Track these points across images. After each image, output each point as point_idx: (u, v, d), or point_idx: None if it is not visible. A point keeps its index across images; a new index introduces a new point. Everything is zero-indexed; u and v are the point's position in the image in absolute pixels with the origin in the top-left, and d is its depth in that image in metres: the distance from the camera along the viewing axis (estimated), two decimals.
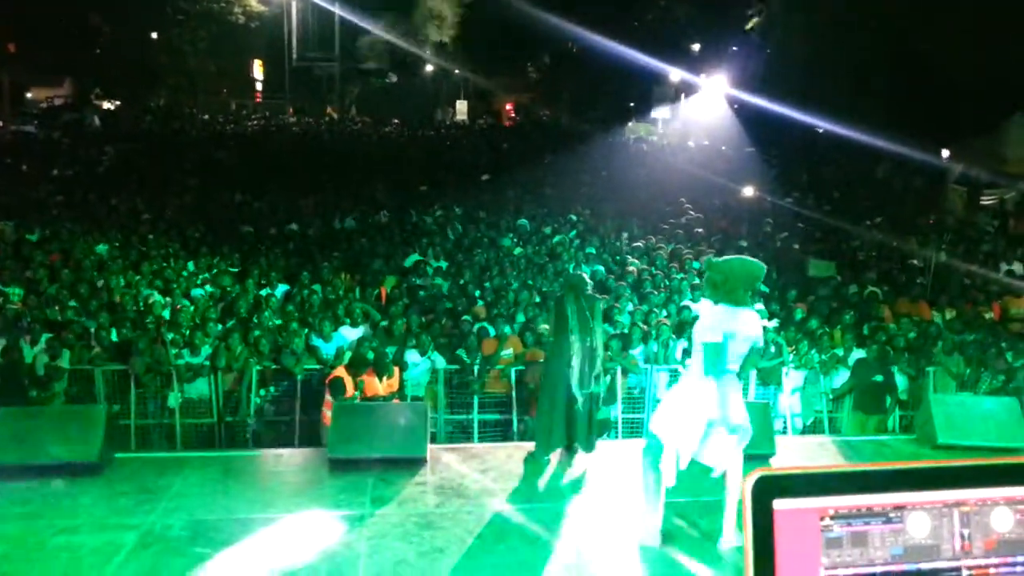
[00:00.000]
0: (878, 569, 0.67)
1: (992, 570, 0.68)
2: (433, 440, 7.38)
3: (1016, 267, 13.61)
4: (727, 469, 4.88)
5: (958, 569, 0.68)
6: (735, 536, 4.98)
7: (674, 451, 4.88)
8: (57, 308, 9.87)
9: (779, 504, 0.66)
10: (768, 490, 0.66)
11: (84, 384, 8.45)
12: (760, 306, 10.97)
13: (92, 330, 9.22)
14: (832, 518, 0.67)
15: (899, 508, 0.68)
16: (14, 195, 17.28)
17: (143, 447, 7.96)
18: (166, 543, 5.16)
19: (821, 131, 21.55)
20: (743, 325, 4.66)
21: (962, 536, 0.68)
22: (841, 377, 8.88)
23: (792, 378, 9.04)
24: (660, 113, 31.91)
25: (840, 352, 9.28)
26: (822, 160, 23.70)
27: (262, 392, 8.82)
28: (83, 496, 5.90)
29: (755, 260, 4.89)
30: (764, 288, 5.06)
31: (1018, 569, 0.69)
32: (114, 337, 9.28)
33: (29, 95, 34.16)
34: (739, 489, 4.86)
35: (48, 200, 16.93)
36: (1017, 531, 0.69)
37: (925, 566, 0.67)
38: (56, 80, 34.34)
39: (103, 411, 6.71)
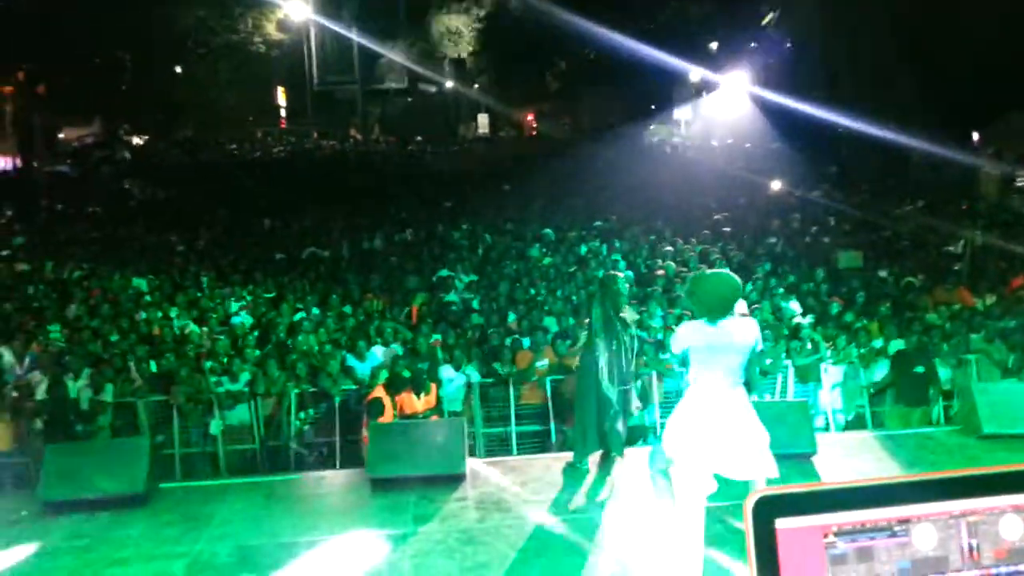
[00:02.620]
0: None
1: None
2: (472, 454, 7.40)
3: None
4: (754, 479, 4.78)
5: None
6: None
7: (690, 468, 4.81)
8: (99, 343, 10.06)
9: (781, 523, 0.66)
10: (769, 510, 0.67)
11: (127, 416, 8.61)
12: (795, 304, 10.88)
13: (132, 363, 9.40)
14: (836, 534, 0.67)
15: (904, 521, 0.68)
16: (51, 234, 17.70)
17: (187, 476, 8.08)
18: (214, 571, 5.24)
19: (847, 123, 21.32)
20: (723, 336, 4.61)
21: (971, 547, 0.68)
22: (881, 370, 8.76)
23: (831, 374, 8.93)
24: (682, 114, 31.79)
25: (879, 344, 9.15)
26: (850, 152, 23.44)
27: (301, 415, 8.91)
28: (131, 528, 6.00)
29: (730, 275, 4.85)
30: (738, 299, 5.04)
31: None
32: (153, 368, 9.46)
33: (61, 135, 34.95)
34: None
35: (84, 237, 17.31)
36: None
37: None
38: (86, 119, 35.09)
39: (147, 443, 6.84)
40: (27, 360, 9.30)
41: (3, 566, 5.45)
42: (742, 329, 4.69)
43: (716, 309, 4.64)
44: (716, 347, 4.62)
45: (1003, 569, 0.68)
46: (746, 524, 0.68)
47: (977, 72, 17.93)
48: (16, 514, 6.29)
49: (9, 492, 6.87)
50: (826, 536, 0.67)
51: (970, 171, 19.89)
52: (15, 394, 8.46)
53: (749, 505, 0.67)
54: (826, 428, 8.53)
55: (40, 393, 8.60)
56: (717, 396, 4.64)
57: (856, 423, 8.74)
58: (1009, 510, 0.69)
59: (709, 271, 4.95)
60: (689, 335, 4.74)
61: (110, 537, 5.85)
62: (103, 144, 33.30)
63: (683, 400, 4.85)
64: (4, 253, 15.83)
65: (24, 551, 5.64)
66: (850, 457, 6.71)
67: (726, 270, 4.93)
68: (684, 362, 4.86)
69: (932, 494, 0.68)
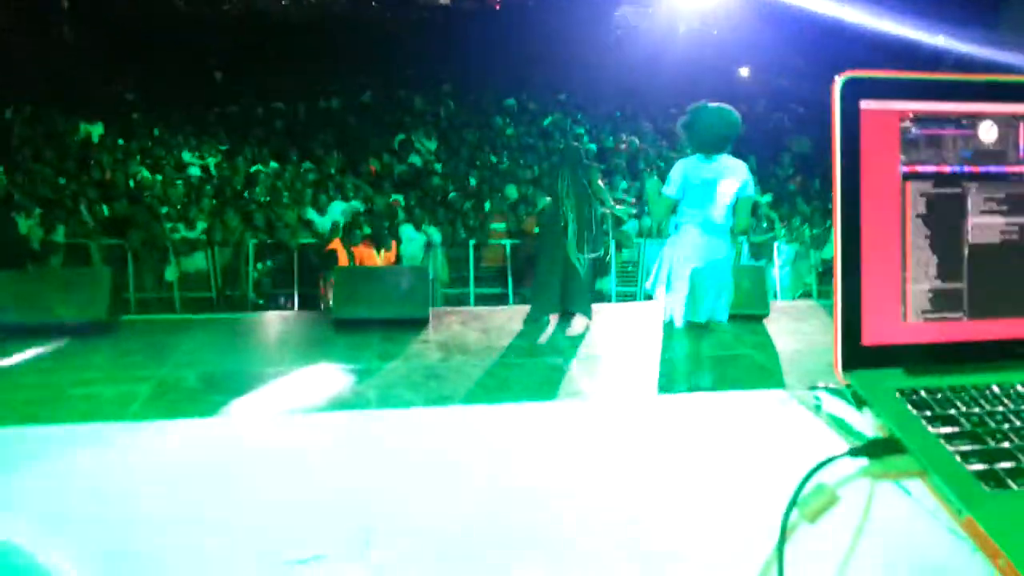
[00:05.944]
0: (949, 168, 0.76)
1: None
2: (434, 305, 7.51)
3: None
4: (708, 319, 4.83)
5: (1020, 174, 0.78)
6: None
7: (672, 305, 4.91)
8: (47, 185, 9.79)
9: (865, 104, 0.73)
10: (856, 91, 0.74)
11: (80, 259, 8.48)
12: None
13: (83, 206, 9.19)
14: (912, 120, 0.75)
15: (971, 116, 0.76)
16: None
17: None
18: (180, 392, 5.32)
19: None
20: (716, 173, 4.53)
21: None
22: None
23: (783, 252, 9.20)
24: None
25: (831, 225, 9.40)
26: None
27: (259, 266, 8.90)
28: (94, 354, 6.02)
29: (731, 110, 4.58)
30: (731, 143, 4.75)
31: None
32: (106, 212, 9.27)
33: None
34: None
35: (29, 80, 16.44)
36: None
37: (991, 169, 0.76)
38: None
39: (108, 272, 6.77)
40: None
41: None
42: (734, 168, 4.58)
43: (711, 145, 4.53)
44: (710, 183, 4.53)
45: None
46: (833, 103, 0.74)
47: None
48: None
49: None
50: (902, 120, 0.74)
51: None
52: None
53: (838, 84, 0.73)
54: (774, 298, 8.85)
55: None
56: (704, 234, 4.60)
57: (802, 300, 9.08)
58: None
59: (710, 103, 4.71)
60: (685, 171, 4.60)
61: (73, 361, 5.87)
62: None
63: (675, 238, 4.75)
64: None
65: None
66: (799, 321, 7.02)
67: (727, 105, 4.69)
68: (674, 208, 4.72)
69: (999, 95, 0.76)
